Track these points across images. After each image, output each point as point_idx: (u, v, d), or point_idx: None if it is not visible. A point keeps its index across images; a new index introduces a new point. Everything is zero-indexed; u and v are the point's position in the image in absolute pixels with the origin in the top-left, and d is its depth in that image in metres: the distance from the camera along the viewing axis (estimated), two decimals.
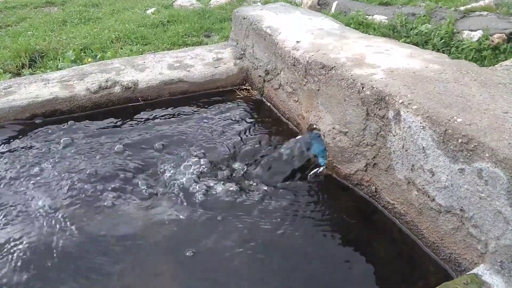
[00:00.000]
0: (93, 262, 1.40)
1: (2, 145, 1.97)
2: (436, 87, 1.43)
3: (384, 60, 1.68)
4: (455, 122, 1.23)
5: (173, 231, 1.54)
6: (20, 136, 2.03)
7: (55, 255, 1.42)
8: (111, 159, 1.88)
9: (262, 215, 1.61)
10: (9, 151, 1.92)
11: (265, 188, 1.74)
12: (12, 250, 1.42)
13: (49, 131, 2.07)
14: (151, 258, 1.43)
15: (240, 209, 1.64)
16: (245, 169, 1.86)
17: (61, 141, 1.99)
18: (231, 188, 1.73)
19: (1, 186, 1.72)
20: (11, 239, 1.47)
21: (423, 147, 1.32)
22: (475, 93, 1.39)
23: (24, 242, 1.45)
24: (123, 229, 1.54)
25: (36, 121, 2.15)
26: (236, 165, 1.89)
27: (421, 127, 1.31)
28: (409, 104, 1.36)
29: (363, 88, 1.54)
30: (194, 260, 1.42)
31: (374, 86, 1.49)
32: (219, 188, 1.73)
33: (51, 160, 1.86)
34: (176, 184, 1.74)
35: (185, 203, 1.66)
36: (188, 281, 1.37)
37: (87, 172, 1.79)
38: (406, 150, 1.40)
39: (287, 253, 1.47)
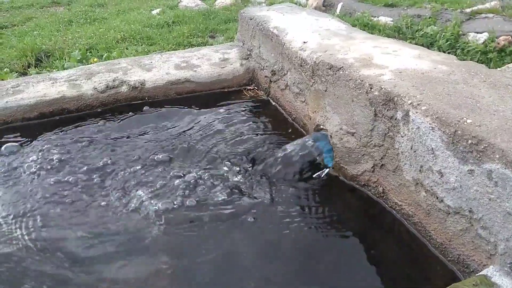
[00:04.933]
0: None
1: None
2: (445, 88, 1.43)
3: (392, 61, 1.68)
4: (465, 123, 1.23)
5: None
6: None
7: None
8: None
9: (267, 215, 1.62)
10: None
11: (271, 187, 1.75)
12: None
13: None
14: None
15: (243, 208, 1.64)
16: (250, 168, 1.86)
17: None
18: (236, 187, 1.73)
19: None
20: None
21: (432, 148, 1.32)
22: (484, 94, 1.38)
23: None
24: None
25: None
26: (242, 165, 1.89)
27: (430, 128, 1.31)
28: (418, 105, 1.36)
29: (371, 88, 1.54)
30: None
31: (382, 87, 1.49)
32: (223, 187, 1.73)
33: None
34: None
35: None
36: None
37: None
38: (415, 151, 1.40)
39: (293, 253, 1.47)
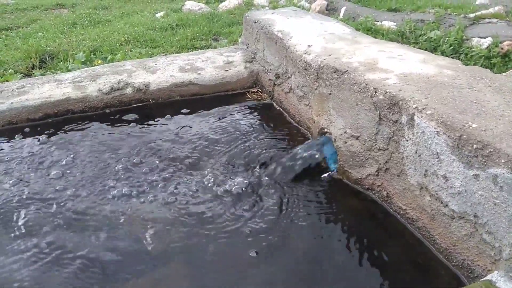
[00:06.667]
0: None
1: None
2: (450, 92, 1.43)
3: (397, 65, 1.68)
4: (470, 127, 1.23)
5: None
6: None
7: None
8: None
9: (271, 218, 1.61)
10: None
11: (274, 191, 1.74)
12: None
13: None
14: None
15: (246, 210, 1.64)
16: (254, 171, 1.86)
17: None
18: (240, 190, 1.73)
19: None
20: None
21: (437, 152, 1.32)
22: (490, 99, 1.38)
23: None
24: None
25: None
26: (245, 168, 1.89)
27: (435, 132, 1.31)
28: (423, 109, 1.36)
29: (376, 92, 1.54)
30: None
31: (387, 91, 1.50)
32: (229, 190, 1.73)
33: None
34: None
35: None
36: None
37: None
38: (419, 155, 1.40)
39: (296, 256, 1.47)
